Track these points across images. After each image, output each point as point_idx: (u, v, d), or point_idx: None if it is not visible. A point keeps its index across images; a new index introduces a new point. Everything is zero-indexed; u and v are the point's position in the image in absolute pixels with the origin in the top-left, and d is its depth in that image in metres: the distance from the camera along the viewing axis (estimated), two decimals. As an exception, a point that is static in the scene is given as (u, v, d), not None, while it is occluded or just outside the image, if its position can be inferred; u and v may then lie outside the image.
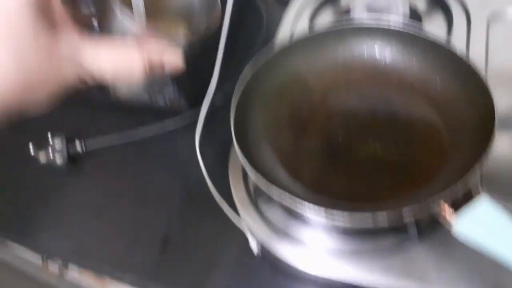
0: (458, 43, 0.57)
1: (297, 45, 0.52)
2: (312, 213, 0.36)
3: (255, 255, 0.50)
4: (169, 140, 0.66)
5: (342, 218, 0.36)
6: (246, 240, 0.50)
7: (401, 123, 0.47)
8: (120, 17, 0.31)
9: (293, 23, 0.67)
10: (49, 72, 0.26)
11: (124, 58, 0.29)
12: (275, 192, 0.38)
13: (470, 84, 0.44)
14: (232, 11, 0.54)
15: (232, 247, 0.53)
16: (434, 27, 0.59)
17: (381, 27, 0.51)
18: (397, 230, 0.43)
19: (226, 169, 0.55)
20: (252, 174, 0.40)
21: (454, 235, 0.35)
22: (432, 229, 0.42)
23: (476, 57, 0.55)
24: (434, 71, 0.49)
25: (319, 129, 0.49)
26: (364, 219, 0.36)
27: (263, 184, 0.39)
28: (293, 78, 0.52)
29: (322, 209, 0.36)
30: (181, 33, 0.38)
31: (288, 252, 0.45)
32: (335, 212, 0.35)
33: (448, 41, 0.57)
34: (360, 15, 0.59)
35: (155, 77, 0.58)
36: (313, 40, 0.52)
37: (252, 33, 0.74)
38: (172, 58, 0.33)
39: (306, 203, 0.36)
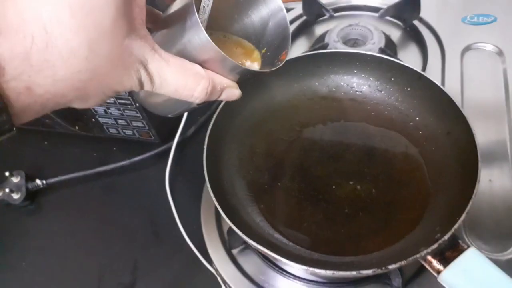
0: (433, 74, 0.56)
1: (271, 73, 0.49)
2: (293, 270, 0.34)
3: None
4: (138, 173, 0.62)
5: (325, 276, 0.33)
6: (218, 285, 0.47)
7: (381, 163, 0.45)
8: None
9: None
10: (114, 69, 0.25)
11: (189, 82, 0.28)
12: (254, 245, 0.35)
13: (450, 118, 0.43)
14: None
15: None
16: (410, 60, 0.59)
17: (358, 51, 0.48)
18: (381, 280, 0.40)
19: (197, 206, 0.52)
20: (230, 225, 0.36)
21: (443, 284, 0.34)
22: (418, 277, 0.40)
23: (452, 88, 0.55)
24: (413, 104, 0.47)
25: (296, 168, 0.46)
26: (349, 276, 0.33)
27: (242, 236, 0.36)
28: (268, 109, 0.49)
29: (303, 267, 0.33)
30: (256, 63, 0.34)
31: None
32: (317, 271, 0.33)
33: (423, 71, 0.56)
34: (336, 44, 0.57)
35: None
36: (287, 67, 0.49)
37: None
38: (229, 95, 0.32)
39: (288, 261, 0.33)
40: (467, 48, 0.58)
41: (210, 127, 0.43)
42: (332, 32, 0.59)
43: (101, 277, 0.53)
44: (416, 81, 0.45)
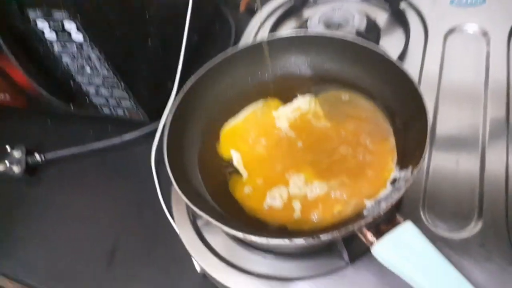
0: (413, 57, 0.56)
1: (242, 54, 0.49)
2: (233, 235, 0.35)
3: (199, 273, 0.49)
4: (128, 150, 0.65)
5: (262, 243, 0.35)
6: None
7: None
8: None
9: (255, 33, 0.66)
10: None
11: None
12: (196, 211, 0.37)
13: (408, 95, 0.42)
14: (200, 22, 0.51)
15: (179, 264, 0.52)
16: (392, 43, 0.58)
17: (319, 35, 0.49)
18: (335, 253, 0.41)
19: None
20: (177, 190, 0.39)
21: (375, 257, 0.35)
22: (365, 252, 0.41)
23: (430, 70, 0.54)
24: (376, 83, 0.47)
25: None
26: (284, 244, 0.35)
27: (186, 202, 0.38)
28: (236, 90, 0.51)
29: (240, 234, 0.35)
30: None
31: (227, 277, 0.44)
32: (253, 237, 0.34)
33: (403, 55, 0.56)
34: (316, 28, 0.58)
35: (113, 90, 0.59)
36: (257, 49, 0.49)
37: (222, 43, 0.74)
38: None
39: (228, 228, 0.35)
40: (452, 31, 0.57)
41: (178, 102, 0.45)
42: (314, 16, 0.59)
43: (87, 243, 0.57)
44: (380, 62, 0.45)
